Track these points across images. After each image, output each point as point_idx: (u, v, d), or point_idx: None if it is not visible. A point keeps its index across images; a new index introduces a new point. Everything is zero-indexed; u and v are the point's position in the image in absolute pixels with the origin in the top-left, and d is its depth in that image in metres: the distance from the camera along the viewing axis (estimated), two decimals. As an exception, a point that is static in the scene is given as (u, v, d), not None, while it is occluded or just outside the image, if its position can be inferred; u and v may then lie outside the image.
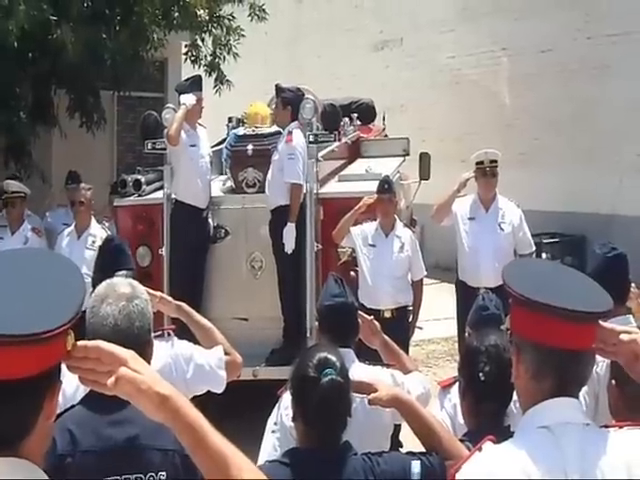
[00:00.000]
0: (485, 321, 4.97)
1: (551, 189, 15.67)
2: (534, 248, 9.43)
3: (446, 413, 4.50)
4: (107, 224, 10.27)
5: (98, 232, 9.49)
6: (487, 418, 3.69)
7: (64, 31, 10.60)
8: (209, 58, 13.30)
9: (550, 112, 16.19)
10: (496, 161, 9.10)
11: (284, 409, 4.06)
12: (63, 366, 1.92)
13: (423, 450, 3.47)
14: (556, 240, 15.11)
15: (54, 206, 11.76)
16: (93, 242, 9.18)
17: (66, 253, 8.89)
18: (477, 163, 9.10)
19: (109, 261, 4.44)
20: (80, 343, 1.91)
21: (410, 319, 8.80)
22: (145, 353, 3.08)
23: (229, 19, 13.24)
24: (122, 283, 3.33)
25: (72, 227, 9.80)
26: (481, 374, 3.75)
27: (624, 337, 2.55)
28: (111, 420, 3.14)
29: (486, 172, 9.04)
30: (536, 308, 2.44)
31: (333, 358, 3.40)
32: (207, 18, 13.02)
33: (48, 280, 1.90)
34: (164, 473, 3.12)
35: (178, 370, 4.11)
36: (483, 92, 17.64)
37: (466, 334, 5.25)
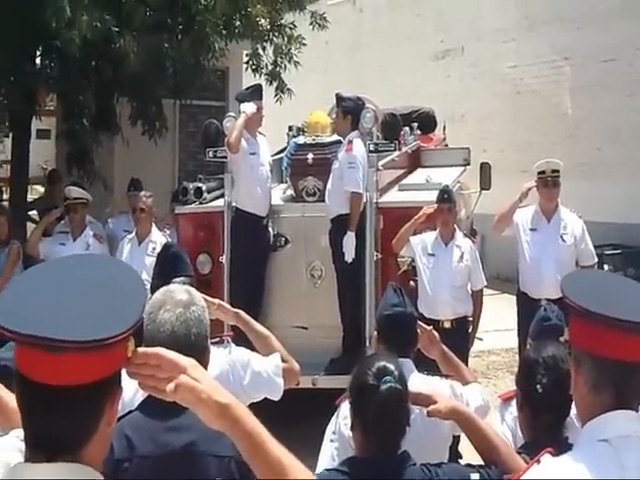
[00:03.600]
0: (547, 332, 4.93)
1: (613, 200, 15.49)
2: (596, 260, 9.32)
3: (507, 426, 4.47)
4: (168, 231, 10.34)
5: (159, 239, 9.54)
6: (545, 430, 3.65)
7: (127, 40, 10.68)
8: (270, 67, 13.34)
9: (612, 122, 16.03)
10: (558, 171, 9.02)
11: (342, 418, 4.05)
12: (124, 372, 1.93)
13: (482, 463, 3.45)
14: (618, 252, 14.95)
15: (116, 213, 11.86)
16: (153, 249, 9.21)
17: (127, 260, 8.96)
18: (539, 173, 9.03)
19: (167, 268, 4.47)
20: (140, 350, 1.92)
21: (470, 330, 8.75)
22: (202, 360, 3.07)
23: (290, 28, 13.27)
24: (179, 290, 3.34)
25: (133, 234, 9.88)
26: (538, 386, 3.71)
27: None
28: (168, 426, 3.15)
29: (548, 182, 8.97)
30: (595, 320, 2.40)
31: (392, 366, 3.39)
32: (268, 27, 13.07)
33: (110, 286, 1.91)
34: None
35: (235, 376, 4.13)
36: (544, 102, 17.52)
37: (527, 346, 5.21)
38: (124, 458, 3.11)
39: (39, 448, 1.84)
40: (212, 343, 3.43)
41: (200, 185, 9.81)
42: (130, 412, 3.25)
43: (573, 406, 2.72)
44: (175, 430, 3.14)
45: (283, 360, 4.25)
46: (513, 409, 4.43)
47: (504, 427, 4.42)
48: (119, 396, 1.94)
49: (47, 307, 1.79)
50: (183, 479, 3.12)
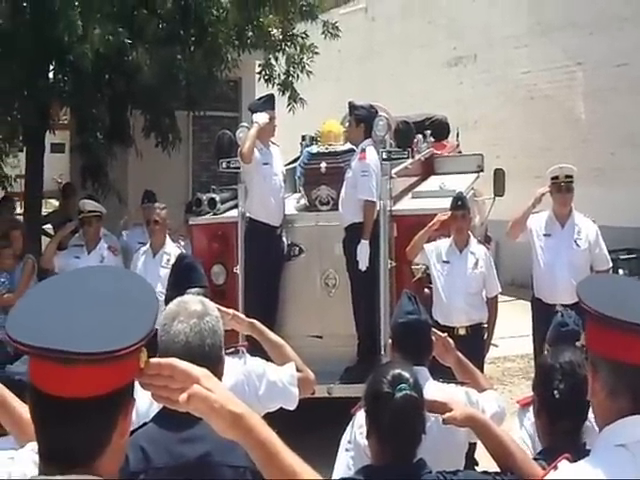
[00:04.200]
0: (564, 338, 4.92)
1: (627, 204, 15.46)
2: (611, 264, 9.30)
3: (526, 432, 4.44)
4: (182, 243, 10.36)
5: (173, 250, 9.55)
6: (562, 436, 3.62)
7: (139, 53, 10.72)
8: (282, 77, 13.35)
9: (626, 127, 16.00)
10: (572, 176, 9.02)
11: (358, 427, 4.04)
12: (136, 383, 1.93)
13: (498, 470, 3.44)
14: (633, 256, 14.90)
15: (130, 225, 11.89)
16: (168, 260, 9.23)
17: (141, 272, 8.97)
18: (552, 178, 9.03)
19: (182, 278, 4.47)
20: (153, 360, 1.92)
21: (485, 336, 8.74)
22: (216, 370, 3.08)
23: (302, 37, 13.28)
24: (193, 301, 3.34)
25: (147, 246, 9.89)
26: (556, 391, 3.69)
27: None
28: (183, 437, 3.15)
29: (561, 187, 8.97)
30: (612, 325, 2.40)
31: (407, 374, 3.38)
32: (281, 37, 13.09)
33: (122, 298, 1.91)
34: (236, 490, 3.13)
35: (250, 386, 4.13)
36: (558, 107, 17.49)
37: (545, 351, 5.20)
38: (139, 470, 3.11)
39: (53, 461, 1.84)
40: (227, 353, 3.43)
41: (214, 196, 9.82)
42: (145, 424, 3.25)
43: (591, 412, 2.71)
44: (190, 441, 3.14)
45: (298, 369, 4.25)
46: (531, 414, 4.41)
47: (523, 432, 4.39)
48: (132, 407, 1.93)
49: (60, 319, 1.80)
50: (199, 490, 3.12)
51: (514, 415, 4.69)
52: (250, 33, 12.47)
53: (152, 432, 3.20)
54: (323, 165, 9.51)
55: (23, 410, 2.07)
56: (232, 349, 3.98)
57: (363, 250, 8.70)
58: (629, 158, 15.96)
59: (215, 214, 9.70)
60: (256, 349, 4.52)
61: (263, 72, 13.38)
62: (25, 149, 13.22)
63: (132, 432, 3.05)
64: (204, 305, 3.31)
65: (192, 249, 9.70)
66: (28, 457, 1.90)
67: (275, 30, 12.83)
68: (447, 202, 8.81)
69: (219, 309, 3.46)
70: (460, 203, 8.65)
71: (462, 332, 8.33)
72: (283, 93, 13.22)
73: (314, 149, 9.96)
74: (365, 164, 8.91)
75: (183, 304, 3.29)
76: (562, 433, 3.65)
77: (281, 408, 4.22)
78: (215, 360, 3.19)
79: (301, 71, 13.29)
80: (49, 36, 10.38)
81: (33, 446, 1.92)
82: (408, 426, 3.31)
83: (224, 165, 9.54)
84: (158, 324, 3.19)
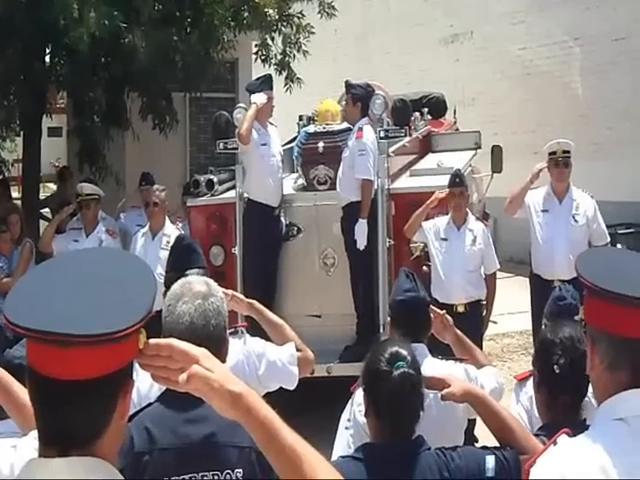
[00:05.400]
0: (562, 312, 4.94)
1: (626, 179, 15.45)
2: (609, 239, 9.31)
3: (522, 406, 4.46)
4: (180, 224, 10.35)
5: (172, 232, 9.53)
6: (562, 411, 3.64)
7: (135, 35, 10.69)
8: (279, 57, 13.32)
9: (624, 101, 15.97)
10: (569, 151, 9.01)
11: (357, 405, 4.06)
12: (137, 364, 1.93)
13: (497, 445, 3.45)
14: (631, 231, 14.89)
15: (128, 207, 11.88)
16: (167, 242, 9.21)
17: (141, 254, 8.97)
18: (550, 154, 9.03)
19: (181, 260, 4.48)
20: (152, 341, 1.92)
21: (483, 313, 8.76)
22: (220, 351, 3.09)
23: (298, 17, 13.24)
24: (197, 281, 3.34)
25: (146, 228, 9.88)
26: (556, 366, 3.70)
27: None
28: (188, 418, 3.16)
29: (559, 162, 8.97)
30: (610, 298, 2.40)
31: (404, 352, 3.40)
32: (277, 17, 13.04)
33: (120, 279, 1.91)
34: (240, 470, 3.13)
35: (250, 366, 4.15)
36: (555, 83, 17.45)
37: (543, 325, 5.21)
38: (144, 450, 3.12)
39: (52, 443, 1.85)
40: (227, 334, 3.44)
41: (211, 177, 9.81)
42: (149, 405, 3.26)
43: (590, 388, 2.72)
44: (195, 421, 3.15)
45: (297, 349, 4.27)
46: (528, 389, 4.43)
47: (519, 407, 4.41)
48: (131, 389, 1.94)
49: (57, 302, 1.80)
50: (204, 470, 3.13)
51: (512, 391, 4.70)
52: (246, 14, 12.41)
53: (157, 412, 3.21)
54: (320, 145, 9.51)
55: (25, 395, 2.07)
56: (232, 329, 3.99)
57: (361, 229, 8.70)
58: (627, 133, 15.94)
59: (213, 195, 9.70)
60: (255, 329, 4.54)
61: (259, 52, 13.35)
62: (22, 133, 13.23)
63: (135, 413, 3.09)
64: (208, 286, 3.31)
65: (190, 230, 9.69)
66: (31, 444, 1.91)
67: (271, 10, 12.77)
68: (445, 179, 8.82)
69: (219, 290, 3.47)
70: (458, 180, 8.65)
71: (461, 309, 8.35)
72: (280, 73, 13.19)
73: (311, 129, 9.95)
74: (362, 143, 8.90)
75: (188, 285, 3.29)
76: (562, 408, 3.67)
77: (281, 388, 4.24)
78: (220, 340, 3.20)
79: (297, 51, 13.25)
80: (45, 20, 10.36)
81: (35, 434, 1.92)
82: (406, 403, 3.32)
83: (221, 146, 9.53)
84: (162, 304, 3.20)
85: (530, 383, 4.38)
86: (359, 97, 9.19)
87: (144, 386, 3.59)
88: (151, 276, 1.98)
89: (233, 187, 9.53)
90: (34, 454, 1.89)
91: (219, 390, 1.95)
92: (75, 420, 1.83)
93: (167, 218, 9.94)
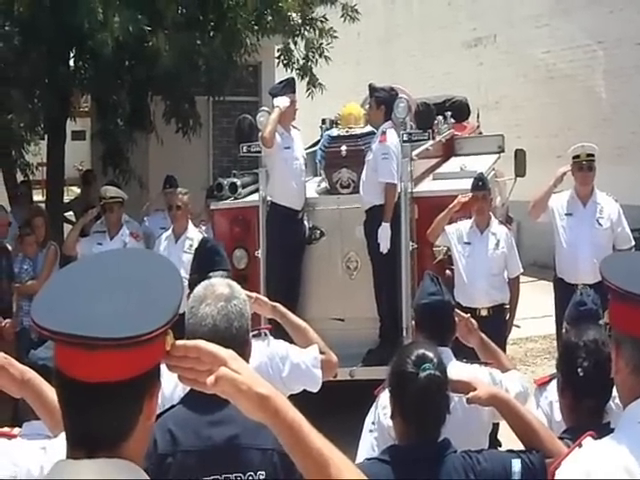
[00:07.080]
0: (582, 316, 4.94)
1: (650, 183, 15.36)
2: (633, 243, 9.25)
3: (542, 411, 4.47)
4: (204, 227, 10.37)
5: (195, 235, 9.57)
6: (586, 414, 3.64)
7: (159, 39, 10.72)
8: (301, 62, 13.32)
9: (647, 105, 15.90)
10: (593, 155, 8.98)
11: (382, 408, 4.06)
12: (160, 366, 1.93)
13: (522, 448, 3.45)
14: (656, 235, 14.81)
15: (152, 211, 11.91)
16: (190, 245, 9.24)
17: (164, 257, 8.98)
18: (574, 157, 9.00)
19: (205, 262, 4.49)
20: (179, 343, 1.92)
21: (507, 317, 8.73)
22: (243, 353, 3.08)
23: (322, 21, 13.24)
24: (221, 284, 3.34)
25: (170, 231, 9.91)
26: (580, 369, 3.70)
27: None
28: (211, 420, 3.17)
29: (583, 166, 8.93)
30: (636, 302, 2.39)
31: (431, 354, 3.40)
32: (300, 21, 13.05)
33: (146, 281, 1.90)
34: (263, 472, 3.13)
35: (274, 369, 4.15)
36: (579, 86, 17.39)
37: (563, 330, 5.21)
38: (167, 452, 3.13)
39: (80, 445, 1.85)
40: (251, 336, 3.44)
41: (235, 180, 9.82)
42: (172, 407, 3.27)
43: (615, 391, 2.71)
44: (218, 424, 3.16)
45: (321, 352, 4.26)
46: (548, 394, 4.44)
47: (539, 412, 4.41)
48: (158, 390, 1.93)
49: (84, 304, 1.80)
50: (227, 472, 3.13)
51: (533, 394, 4.70)
52: (269, 18, 12.43)
53: (180, 414, 3.22)
54: (344, 148, 9.50)
55: (55, 397, 2.08)
56: (255, 332, 3.99)
57: (384, 232, 8.70)
58: (651, 137, 15.88)
59: (236, 198, 9.70)
60: (279, 332, 4.54)
61: (282, 57, 13.36)
62: (46, 137, 13.26)
63: (159, 415, 3.09)
64: (231, 288, 3.31)
65: (213, 234, 9.71)
66: (62, 445, 1.91)
67: (294, 14, 12.78)
68: (468, 183, 8.80)
69: (242, 293, 3.48)
70: (481, 184, 8.64)
71: (484, 313, 8.33)
72: (302, 78, 13.19)
73: (334, 132, 9.95)
74: (385, 146, 8.90)
75: (211, 287, 3.30)
76: (586, 411, 3.67)
77: (304, 390, 4.24)
78: (242, 343, 3.20)
79: (320, 56, 13.25)
80: (69, 24, 10.41)
81: (64, 436, 1.93)
82: (432, 406, 3.32)
83: (245, 149, 9.55)
84: (185, 307, 3.20)
85: (550, 388, 4.38)
86: (382, 100, 9.20)
87: (168, 388, 3.60)
88: (177, 276, 1.96)
89: (256, 190, 9.54)
90: (64, 456, 1.89)
91: (247, 392, 1.94)
92: (102, 422, 1.83)
93: (190, 221, 9.96)
